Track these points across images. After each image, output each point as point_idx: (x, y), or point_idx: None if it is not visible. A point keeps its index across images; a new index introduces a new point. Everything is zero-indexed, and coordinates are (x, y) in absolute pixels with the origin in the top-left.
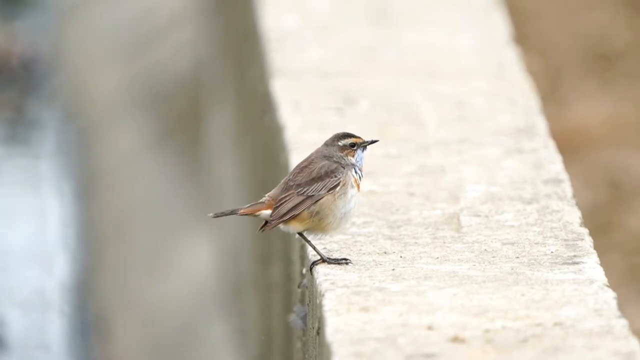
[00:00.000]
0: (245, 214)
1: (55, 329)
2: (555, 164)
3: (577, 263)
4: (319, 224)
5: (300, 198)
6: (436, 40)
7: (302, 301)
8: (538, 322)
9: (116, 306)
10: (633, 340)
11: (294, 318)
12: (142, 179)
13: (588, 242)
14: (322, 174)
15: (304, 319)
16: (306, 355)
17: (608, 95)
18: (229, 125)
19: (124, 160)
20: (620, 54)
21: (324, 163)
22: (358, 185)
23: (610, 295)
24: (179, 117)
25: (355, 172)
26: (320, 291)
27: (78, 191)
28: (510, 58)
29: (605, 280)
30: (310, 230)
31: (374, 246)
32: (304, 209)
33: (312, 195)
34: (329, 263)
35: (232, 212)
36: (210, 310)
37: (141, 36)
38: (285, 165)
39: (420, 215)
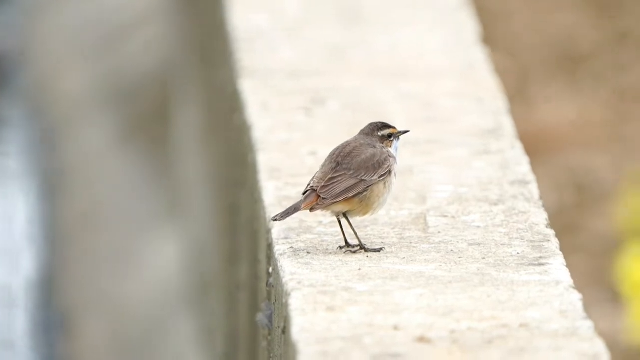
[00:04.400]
0: (307, 207)
1: (20, 325)
2: (522, 165)
3: (543, 264)
4: (364, 207)
5: (354, 181)
6: (405, 41)
7: (268, 300)
8: (504, 323)
9: (82, 303)
10: (598, 341)
11: (260, 317)
12: (108, 177)
13: (554, 243)
14: (375, 162)
15: (270, 317)
16: (272, 354)
17: (575, 97)
18: (196, 123)
19: (91, 158)
20: (587, 55)
21: (375, 151)
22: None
23: (575, 296)
24: (146, 115)
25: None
26: (287, 290)
27: (44, 188)
28: (478, 58)
29: (571, 281)
30: (350, 213)
31: (340, 246)
32: (358, 192)
33: (365, 180)
34: (367, 251)
35: (295, 210)
36: (176, 308)
37: (109, 34)
38: (253, 164)
39: (387, 215)
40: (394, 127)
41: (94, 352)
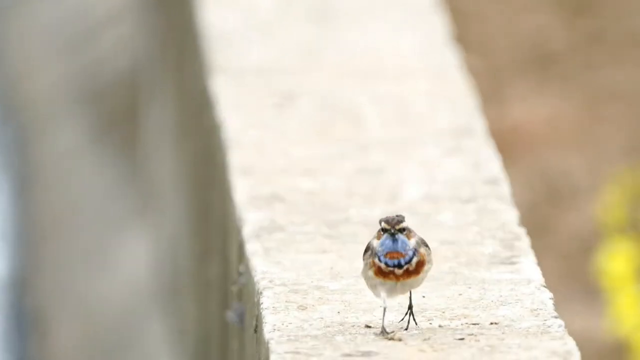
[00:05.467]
0: None
1: None
2: (494, 164)
3: (514, 263)
4: None
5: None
6: (377, 40)
7: (239, 299)
8: (475, 321)
9: (54, 303)
10: (569, 340)
11: (230, 315)
12: (80, 176)
13: (525, 242)
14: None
15: (241, 317)
16: (243, 354)
17: (547, 96)
18: (168, 123)
19: (63, 157)
20: (559, 56)
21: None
22: (377, 271)
23: (547, 295)
24: (117, 115)
25: (377, 257)
26: (258, 289)
27: (16, 188)
28: (450, 58)
29: (542, 280)
30: None
31: (312, 245)
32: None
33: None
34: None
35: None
36: (148, 308)
37: (80, 33)
38: (223, 164)
39: (359, 214)
40: (392, 222)
41: (65, 352)
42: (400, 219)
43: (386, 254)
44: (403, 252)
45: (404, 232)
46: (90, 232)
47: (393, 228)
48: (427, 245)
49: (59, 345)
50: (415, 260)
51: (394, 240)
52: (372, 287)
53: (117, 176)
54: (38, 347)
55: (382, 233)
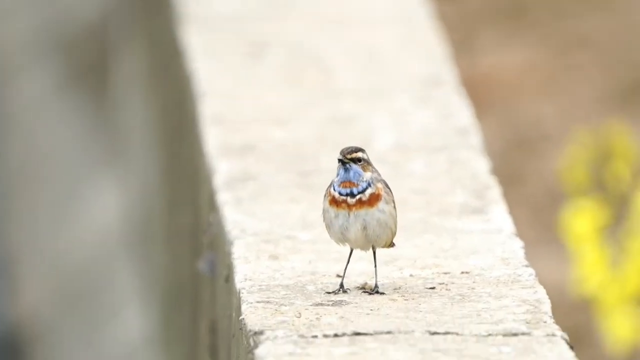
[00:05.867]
0: None
1: None
2: (464, 113)
3: (485, 212)
4: None
5: None
6: None
7: (211, 248)
8: (446, 270)
9: (23, 251)
10: (540, 288)
11: (202, 266)
12: (50, 125)
13: (496, 191)
14: None
15: (212, 267)
16: (215, 303)
17: (518, 45)
18: (138, 72)
19: (32, 107)
20: (530, 4)
21: None
22: (332, 201)
23: (517, 244)
24: (87, 64)
25: (333, 187)
26: (230, 239)
27: None
28: (421, 6)
29: (513, 229)
30: None
31: (284, 194)
32: None
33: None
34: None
35: None
36: (118, 257)
37: None
38: (193, 113)
39: (330, 163)
40: (345, 152)
41: (35, 299)
42: (353, 149)
43: (340, 183)
44: (356, 182)
45: (360, 164)
46: (60, 180)
47: (345, 157)
48: (388, 188)
49: (29, 292)
50: (369, 191)
51: (346, 169)
52: (329, 225)
53: (87, 125)
54: (8, 295)
55: (340, 165)
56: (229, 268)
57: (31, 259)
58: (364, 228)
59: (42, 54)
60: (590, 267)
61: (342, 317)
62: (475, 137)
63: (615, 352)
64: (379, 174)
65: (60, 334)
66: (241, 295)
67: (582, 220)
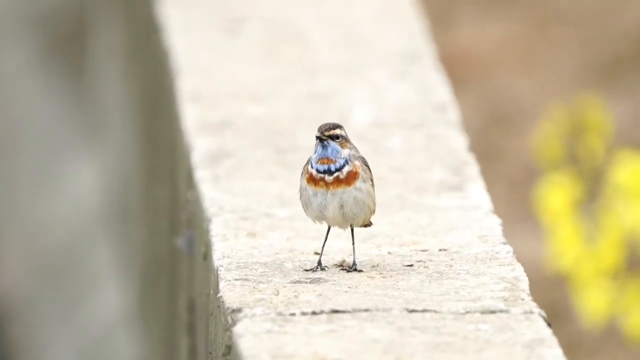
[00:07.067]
0: None
1: None
2: (442, 89)
3: (463, 189)
4: None
5: None
6: None
7: (188, 225)
8: (424, 247)
9: (0, 228)
10: (518, 266)
11: (180, 243)
12: (27, 100)
13: (474, 168)
14: None
15: (190, 244)
16: (192, 280)
17: (496, 20)
18: (116, 47)
19: (9, 81)
20: None
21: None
22: (309, 179)
23: (495, 221)
24: (65, 38)
25: (310, 164)
26: (207, 216)
27: None
28: None
29: (490, 206)
30: None
31: (261, 171)
32: None
33: None
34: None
35: None
36: (95, 232)
37: None
38: (171, 89)
39: (307, 139)
40: (318, 128)
41: (12, 273)
42: (331, 126)
43: (318, 160)
44: (333, 159)
45: (338, 140)
46: (37, 155)
47: (323, 134)
48: (367, 166)
49: (6, 266)
50: (347, 169)
51: (324, 146)
52: (306, 203)
53: (64, 100)
54: None
55: (318, 142)
56: (207, 245)
57: (8, 235)
58: (341, 207)
59: (18, 27)
60: (565, 243)
61: (320, 295)
62: (453, 113)
63: (591, 326)
64: (357, 151)
65: (38, 309)
66: (219, 272)
67: (557, 196)
